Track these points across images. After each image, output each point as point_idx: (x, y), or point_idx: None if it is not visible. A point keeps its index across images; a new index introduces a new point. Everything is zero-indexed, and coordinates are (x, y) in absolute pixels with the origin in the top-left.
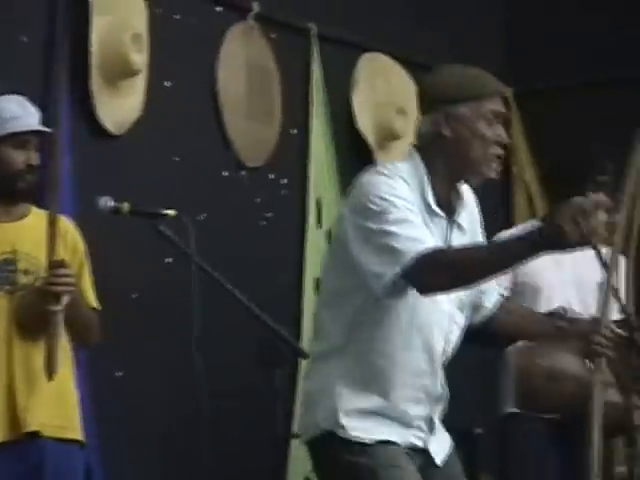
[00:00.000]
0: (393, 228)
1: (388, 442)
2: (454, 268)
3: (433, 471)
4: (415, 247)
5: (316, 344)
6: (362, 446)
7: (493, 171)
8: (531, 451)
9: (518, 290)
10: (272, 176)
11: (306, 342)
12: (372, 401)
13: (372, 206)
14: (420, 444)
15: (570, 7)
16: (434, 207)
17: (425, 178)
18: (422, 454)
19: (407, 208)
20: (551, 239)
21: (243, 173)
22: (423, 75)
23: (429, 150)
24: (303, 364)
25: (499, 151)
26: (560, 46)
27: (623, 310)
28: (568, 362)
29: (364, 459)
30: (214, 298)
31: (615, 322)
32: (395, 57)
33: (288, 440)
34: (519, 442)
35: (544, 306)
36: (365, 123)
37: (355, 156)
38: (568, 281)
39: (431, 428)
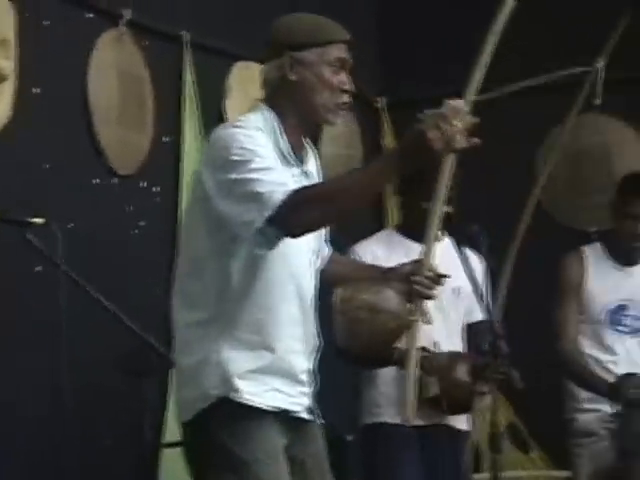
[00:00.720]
0: (256, 175)
1: (273, 421)
2: (324, 199)
3: (304, 445)
4: (281, 190)
5: (187, 315)
6: (249, 422)
7: (339, 117)
8: (393, 460)
9: None
10: (144, 184)
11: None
12: (262, 358)
13: (233, 157)
14: (305, 401)
15: (442, 17)
16: (288, 156)
17: (277, 127)
18: (299, 426)
19: (268, 156)
20: (415, 146)
21: (114, 181)
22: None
23: (276, 97)
24: (174, 373)
25: (345, 99)
26: (432, 56)
27: (489, 314)
28: (389, 299)
29: (240, 448)
30: (83, 307)
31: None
32: None
33: (158, 450)
34: (382, 451)
35: None
36: None
37: None
38: None
39: (313, 382)
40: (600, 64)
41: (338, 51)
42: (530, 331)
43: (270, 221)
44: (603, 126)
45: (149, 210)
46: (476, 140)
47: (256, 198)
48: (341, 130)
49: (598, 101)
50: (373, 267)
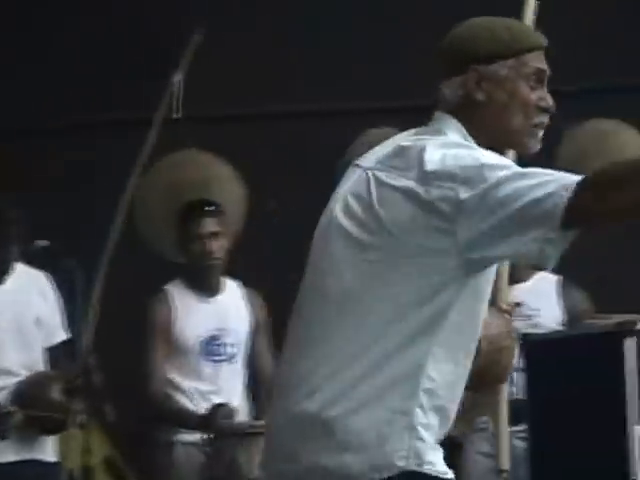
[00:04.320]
0: (519, 169)
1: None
2: (624, 179)
3: None
4: (560, 188)
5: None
6: None
7: (538, 142)
8: None
9: None
10: None
11: None
12: (443, 424)
13: (477, 169)
14: None
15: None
16: None
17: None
18: None
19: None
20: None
21: None
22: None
23: (458, 119)
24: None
25: (545, 119)
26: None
27: (85, 351)
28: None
29: None
30: None
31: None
32: None
33: None
34: None
35: None
36: None
37: None
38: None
39: None
40: (178, 77)
41: (536, 61)
42: (126, 362)
43: (574, 197)
44: (203, 162)
45: None
46: None
47: (547, 182)
48: None
49: (177, 115)
50: None
